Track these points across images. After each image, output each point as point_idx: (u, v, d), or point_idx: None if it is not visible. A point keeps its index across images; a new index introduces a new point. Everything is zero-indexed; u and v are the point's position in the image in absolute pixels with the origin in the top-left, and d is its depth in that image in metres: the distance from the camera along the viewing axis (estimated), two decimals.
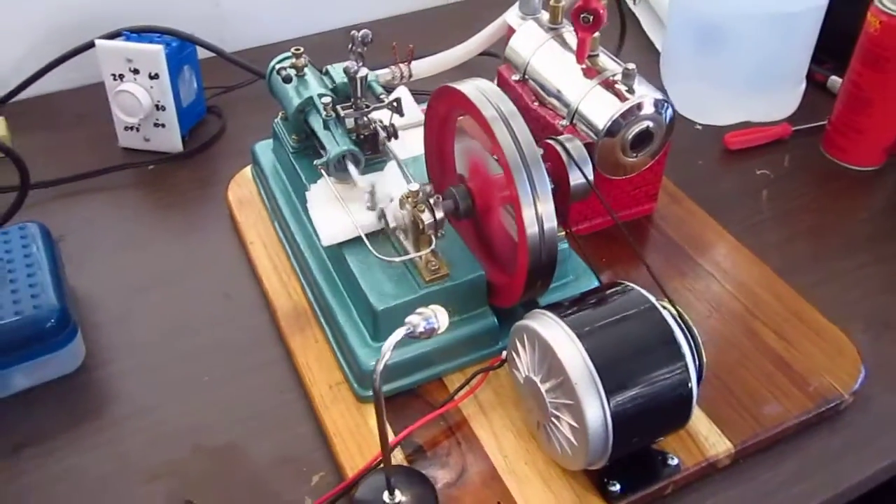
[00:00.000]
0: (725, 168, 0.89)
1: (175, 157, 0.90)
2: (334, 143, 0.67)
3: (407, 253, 0.63)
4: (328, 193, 0.67)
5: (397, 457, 0.59)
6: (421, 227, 0.60)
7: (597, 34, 0.73)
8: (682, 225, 0.79)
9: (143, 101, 0.85)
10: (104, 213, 0.83)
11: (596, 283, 0.67)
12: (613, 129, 0.70)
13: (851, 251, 0.78)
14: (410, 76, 0.79)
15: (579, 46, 0.72)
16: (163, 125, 0.88)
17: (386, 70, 0.79)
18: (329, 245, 0.65)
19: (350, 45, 0.67)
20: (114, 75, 0.85)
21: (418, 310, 0.46)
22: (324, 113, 0.68)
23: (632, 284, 0.57)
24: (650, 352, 0.52)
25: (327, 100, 0.67)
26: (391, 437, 0.59)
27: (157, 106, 0.86)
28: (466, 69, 0.89)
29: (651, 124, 0.71)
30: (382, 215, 0.63)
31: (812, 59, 0.92)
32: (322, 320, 0.68)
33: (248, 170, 0.84)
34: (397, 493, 0.50)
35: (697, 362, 0.55)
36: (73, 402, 0.65)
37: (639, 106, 0.70)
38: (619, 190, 0.77)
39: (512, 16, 0.82)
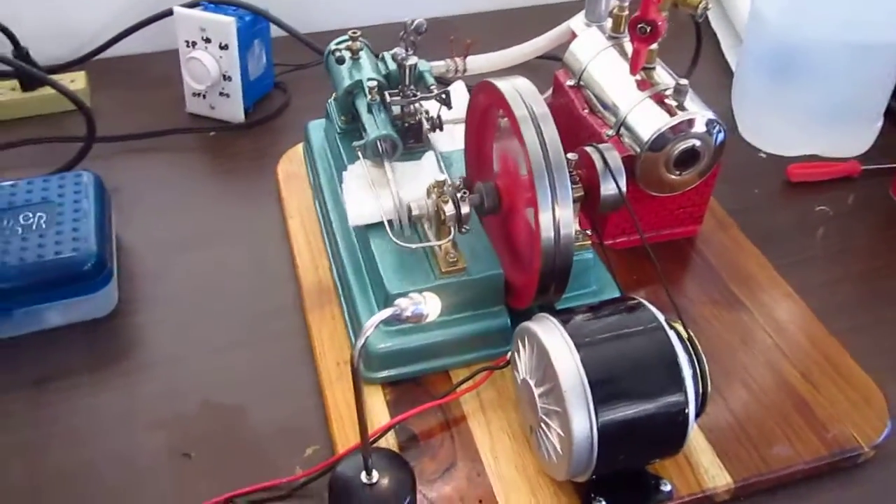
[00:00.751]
0: (783, 200, 0.85)
1: (237, 126, 0.93)
2: (374, 127, 0.68)
3: (429, 242, 0.64)
4: (363, 175, 0.68)
5: (390, 441, 0.60)
6: (443, 217, 0.60)
7: (654, 46, 0.71)
8: (724, 252, 0.77)
9: (210, 69, 0.88)
10: (161, 171, 0.87)
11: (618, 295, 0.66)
12: (658, 144, 0.68)
13: None
14: (465, 71, 0.80)
15: (634, 57, 0.70)
16: (227, 95, 0.91)
17: (441, 62, 0.79)
18: (356, 225, 0.66)
19: (402, 33, 0.68)
20: (187, 42, 0.88)
21: (411, 294, 0.46)
22: (368, 97, 0.69)
23: (645, 302, 0.55)
24: (649, 372, 0.51)
25: (373, 84, 0.69)
26: (386, 421, 0.60)
27: (224, 76, 0.90)
28: (525, 70, 0.89)
29: (698, 143, 0.69)
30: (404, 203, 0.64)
31: (893, 96, 0.87)
32: (342, 299, 0.69)
33: (300, 147, 0.86)
34: (375, 473, 0.50)
35: (700, 390, 0.53)
36: (100, 345, 0.68)
37: (688, 123, 0.68)
38: (661, 207, 0.75)
39: (577, 21, 0.81)
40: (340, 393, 0.63)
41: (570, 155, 0.62)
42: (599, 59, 0.76)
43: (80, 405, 0.64)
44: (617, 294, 0.67)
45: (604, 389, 0.50)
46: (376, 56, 0.76)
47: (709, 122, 0.69)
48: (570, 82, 0.78)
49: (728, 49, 1.04)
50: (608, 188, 0.61)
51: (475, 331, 0.64)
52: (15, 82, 0.93)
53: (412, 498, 0.51)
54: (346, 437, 0.60)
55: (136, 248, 0.77)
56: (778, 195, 0.86)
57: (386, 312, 0.45)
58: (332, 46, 0.75)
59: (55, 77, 0.93)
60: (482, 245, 0.65)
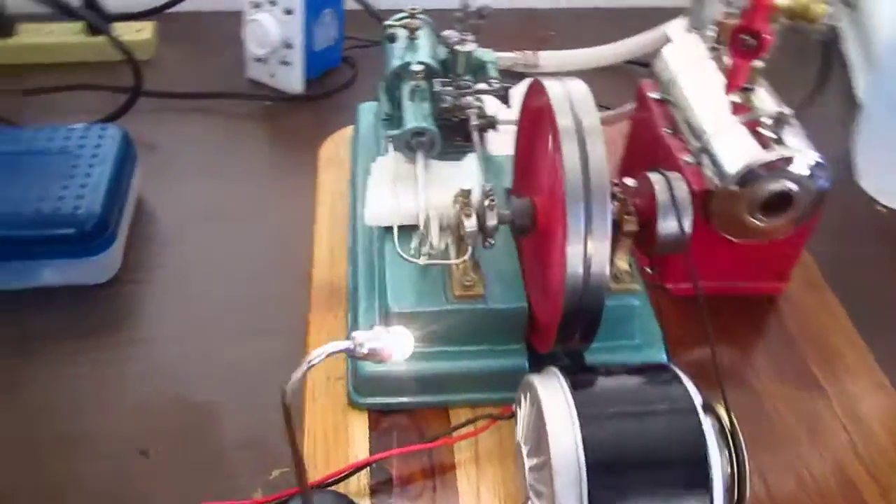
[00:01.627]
0: None
1: (294, 98, 0.87)
2: (412, 118, 0.59)
3: (448, 258, 0.55)
4: (391, 170, 0.59)
5: (362, 481, 0.52)
6: (462, 232, 0.51)
7: (759, 63, 0.59)
8: (810, 320, 0.64)
9: (272, 33, 0.82)
10: (204, 134, 0.82)
11: (662, 357, 0.55)
12: (743, 181, 0.57)
13: None
14: (536, 66, 0.70)
15: (732, 73, 0.59)
16: (288, 63, 0.85)
17: (510, 53, 0.70)
18: (371, 225, 0.58)
19: (459, 13, 0.59)
20: (252, 2, 0.82)
21: (378, 327, 0.38)
22: (412, 82, 0.60)
23: (682, 374, 0.45)
24: (666, 467, 0.41)
25: (419, 68, 0.60)
26: (364, 455, 0.52)
27: (286, 42, 0.83)
28: (612, 76, 0.78)
29: (794, 188, 0.57)
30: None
31: None
32: (349, 305, 0.61)
33: (350, 129, 0.79)
34: None
35: (735, 494, 0.42)
36: (92, 313, 0.63)
37: (785, 161, 0.56)
38: (740, 256, 0.63)
39: (675, 26, 0.69)
40: (322, 412, 0.55)
41: (627, 180, 0.52)
42: (692, 71, 0.65)
43: (59, 373, 0.59)
44: (661, 352, 0.56)
45: (604, 479, 0.40)
46: (439, 38, 0.67)
47: (812, 165, 0.57)
48: (655, 95, 0.67)
49: (859, 78, 0.90)
50: (667, 225, 0.51)
51: (485, 368, 0.54)
52: (83, 25, 0.90)
53: None
54: (315, 465, 0.52)
55: (157, 211, 0.72)
56: (891, 260, 0.72)
57: (339, 345, 0.36)
58: (388, 22, 0.67)
59: (122, 25, 0.90)
60: (511, 271, 0.55)
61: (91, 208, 0.62)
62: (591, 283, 0.45)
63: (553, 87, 0.48)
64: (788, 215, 0.59)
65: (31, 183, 0.63)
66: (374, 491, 0.51)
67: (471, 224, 0.51)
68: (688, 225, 0.51)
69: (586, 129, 0.46)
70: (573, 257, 0.45)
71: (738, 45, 0.57)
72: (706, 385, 0.58)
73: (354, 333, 0.37)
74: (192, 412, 0.57)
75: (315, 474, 0.51)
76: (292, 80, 0.86)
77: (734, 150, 0.58)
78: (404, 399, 0.55)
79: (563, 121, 0.46)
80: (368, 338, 0.37)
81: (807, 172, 0.57)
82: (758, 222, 0.59)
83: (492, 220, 0.51)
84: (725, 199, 0.58)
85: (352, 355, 0.37)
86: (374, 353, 0.37)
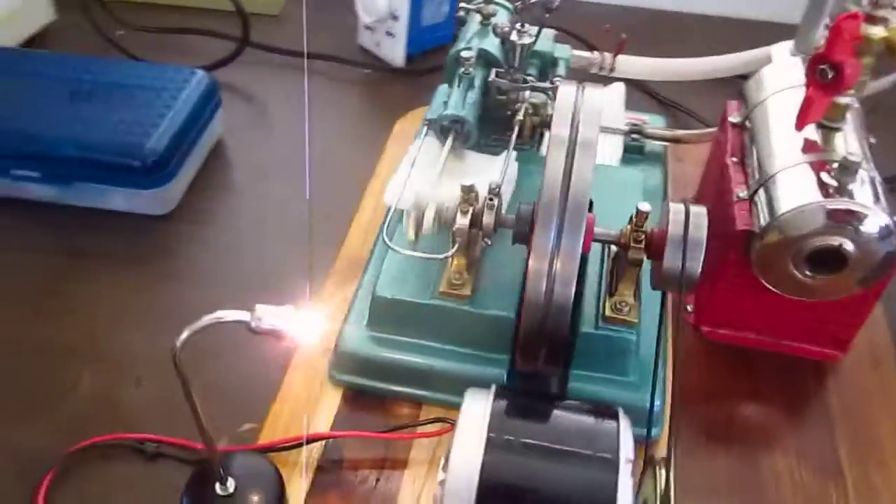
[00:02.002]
0: None
1: (393, 70, 0.87)
2: (452, 105, 0.58)
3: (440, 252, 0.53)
4: (423, 154, 0.58)
5: (313, 454, 0.52)
6: (453, 227, 0.49)
7: (847, 100, 0.52)
8: (859, 400, 0.56)
9: (379, 3, 0.83)
10: (297, 94, 0.84)
11: (655, 401, 0.51)
12: (788, 227, 0.50)
13: None
14: (612, 70, 0.65)
15: (805, 107, 0.52)
16: (392, 35, 0.85)
17: (586, 53, 0.65)
18: (389, 205, 0.58)
19: (518, 3, 0.56)
20: None
21: (290, 306, 0.37)
22: (461, 69, 0.58)
23: (625, 419, 0.41)
24: None
25: (468, 55, 0.58)
26: (325, 429, 0.52)
27: (392, 14, 0.84)
28: (708, 89, 0.72)
29: (849, 247, 0.49)
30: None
31: None
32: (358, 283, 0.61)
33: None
34: (231, 483, 0.43)
35: None
36: (144, 240, 0.67)
37: (845, 214, 0.49)
38: (789, 311, 0.56)
39: (781, 48, 0.62)
40: (299, 379, 0.56)
41: (642, 205, 0.48)
42: (782, 99, 0.58)
43: (98, 291, 0.63)
44: (660, 398, 0.51)
45: None
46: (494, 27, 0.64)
47: (882, 226, 0.49)
48: (735, 118, 0.61)
49: None
50: (671, 261, 0.46)
51: (462, 371, 0.52)
52: None
53: None
54: (274, 426, 0.53)
55: (232, 159, 0.76)
56: None
57: (233, 314, 0.36)
58: (462, 5, 0.65)
59: None
60: (510, 279, 0.53)
61: (156, 144, 0.66)
62: (553, 302, 0.42)
63: (564, 93, 0.45)
64: (844, 275, 0.51)
65: (114, 113, 0.68)
66: (321, 466, 0.51)
67: (463, 220, 0.49)
68: (694, 265, 0.46)
69: (580, 142, 0.43)
70: (536, 273, 0.42)
71: (816, 75, 0.50)
72: (710, 444, 0.53)
73: (258, 306, 0.37)
74: (194, 353, 0.59)
75: (272, 436, 0.52)
76: (395, 52, 0.86)
77: (789, 190, 0.51)
78: (379, 384, 0.54)
79: (558, 129, 0.43)
80: (271, 313, 0.36)
81: (871, 232, 0.49)
82: (804, 277, 0.52)
83: (488, 219, 0.48)
84: (768, 244, 0.51)
85: (249, 328, 0.36)
86: (271, 331, 0.36)
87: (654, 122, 0.72)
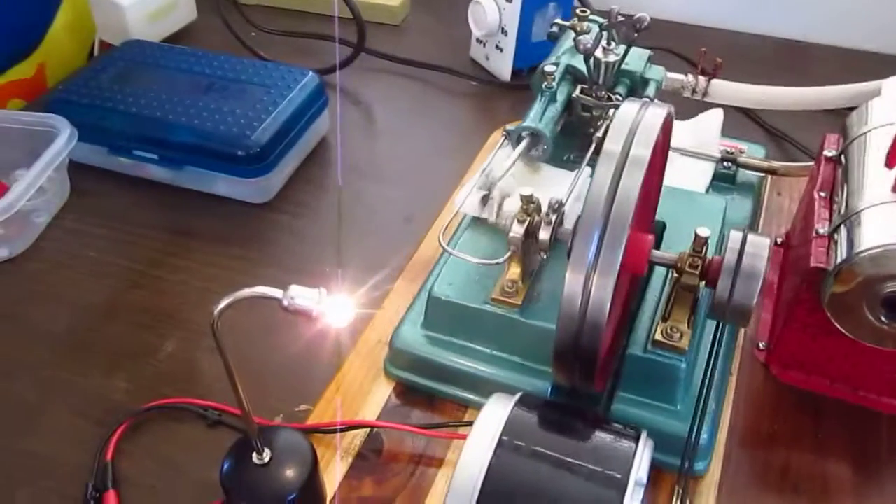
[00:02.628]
0: None
1: (500, 84, 0.89)
2: (531, 117, 0.58)
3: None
4: (502, 163, 0.59)
5: (355, 441, 0.54)
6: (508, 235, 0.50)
7: None
8: None
9: (490, 17, 0.84)
10: (407, 100, 0.87)
11: (705, 437, 0.49)
12: (861, 268, 0.47)
13: None
14: (705, 94, 0.63)
15: (895, 143, 0.48)
16: (501, 49, 0.87)
17: (680, 76, 0.64)
18: (460, 211, 0.59)
19: (605, 22, 0.56)
20: None
21: (323, 290, 0.39)
22: (544, 83, 0.59)
23: (645, 448, 0.40)
24: None
25: (551, 69, 0.59)
26: (371, 418, 0.54)
27: (502, 28, 0.85)
28: (825, 122, 0.68)
29: None
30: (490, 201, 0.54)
31: None
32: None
33: None
34: (267, 453, 0.45)
35: None
36: (241, 225, 0.72)
37: None
38: (867, 358, 0.52)
39: (893, 83, 0.58)
40: (356, 367, 0.58)
41: (700, 230, 0.47)
42: (883, 133, 0.55)
43: (193, 267, 0.68)
44: (709, 431, 0.49)
45: None
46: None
47: None
48: (831, 151, 0.58)
49: None
50: (721, 290, 0.44)
51: (507, 379, 0.53)
52: None
53: (307, 483, 0.45)
54: (322, 410, 0.55)
55: (331, 158, 0.80)
56: None
57: (269, 291, 0.39)
58: (556, 21, 0.65)
59: None
60: None
61: (259, 137, 0.71)
62: (588, 319, 0.42)
63: (624, 110, 0.45)
64: None
65: (228, 105, 0.73)
66: (359, 453, 0.53)
67: (518, 228, 0.49)
68: (745, 297, 0.44)
69: (630, 158, 0.42)
70: (572, 285, 0.42)
71: None
72: (761, 489, 0.51)
73: (292, 286, 0.39)
74: (275, 331, 0.63)
75: (320, 418, 0.54)
76: (502, 66, 0.88)
77: (871, 228, 0.48)
78: (429, 383, 0.55)
79: (611, 144, 0.43)
80: (302, 294, 0.38)
81: None
82: (880, 323, 0.48)
83: (544, 235, 0.49)
84: (841, 284, 0.48)
85: (281, 306, 0.39)
86: (300, 310, 0.38)
87: (752, 152, 0.69)
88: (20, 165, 0.72)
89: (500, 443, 0.39)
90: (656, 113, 0.44)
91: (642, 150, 0.42)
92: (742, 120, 0.81)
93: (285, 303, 0.38)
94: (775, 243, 0.66)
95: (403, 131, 0.84)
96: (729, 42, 0.94)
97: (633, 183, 0.41)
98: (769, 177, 0.70)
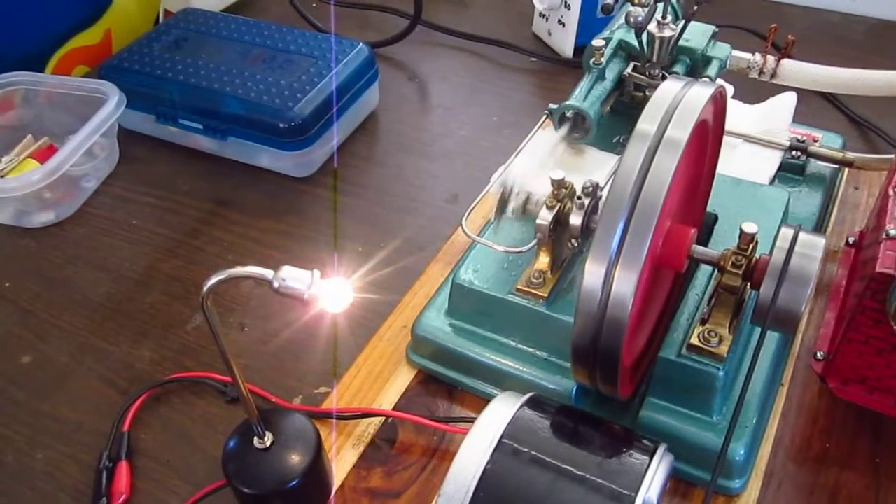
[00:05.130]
0: None
1: (561, 61, 0.84)
2: (576, 96, 0.54)
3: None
4: (538, 144, 0.55)
5: (369, 429, 0.51)
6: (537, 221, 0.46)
7: None
8: None
9: None
10: (463, 74, 0.84)
11: (738, 451, 0.44)
12: None
13: None
14: (773, 75, 0.57)
15: None
16: (563, 24, 0.82)
17: (747, 55, 0.58)
18: (495, 193, 0.55)
19: None
20: None
21: (317, 272, 0.37)
22: (592, 59, 0.55)
23: (663, 459, 0.36)
24: None
25: (599, 43, 0.54)
26: (389, 406, 0.52)
27: (564, 3, 0.81)
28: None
29: None
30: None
31: None
32: None
33: None
34: (269, 437, 0.44)
35: None
36: (281, 197, 0.71)
37: None
38: None
39: None
40: (378, 353, 0.56)
41: (746, 226, 0.42)
42: None
43: (230, 238, 0.67)
44: (747, 447, 0.45)
45: None
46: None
47: None
48: None
49: None
50: (765, 293, 0.40)
51: (531, 375, 0.49)
52: None
53: (310, 470, 0.43)
54: (340, 394, 0.53)
55: (382, 131, 0.77)
56: None
57: (258, 271, 0.36)
58: None
59: None
60: None
61: (301, 109, 0.69)
62: (608, 316, 0.38)
63: (664, 88, 0.40)
64: None
65: (273, 76, 0.72)
66: (372, 442, 0.51)
67: (545, 216, 0.46)
68: (793, 302, 0.39)
69: (665, 140, 0.38)
70: (591, 278, 0.38)
71: None
72: None
73: (284, 267, 0.37)
74: (300, 310, 0.61)
75: (336, 403, 0.53)
76: (564, 41, 0.83)
77: None
78: (450, 373, 0.53)
79: (644, 124, 0.39)
80: (293, 276, 0.36)
81: None
82: None
83: (575, 220, 0.45)
84: None
85: (272, 288, 0.36)
86: (291, 293, 0.36)
87: (828, 141, 0.63)
88: (73, 131, 0.73)
89: (498, 446, 0.36)
90: (700, 92, 0.40)
91: (679, 132, 0.38)
92: (823, 106, 0.74)
93: (276, 284, 0.36)
94: (847, 243, 0.60)
95: (458, 107, 0.80)
96: (815, 21, 0.87)
97: (666, 167, 0.37)
98: (845, 170, 0.63)
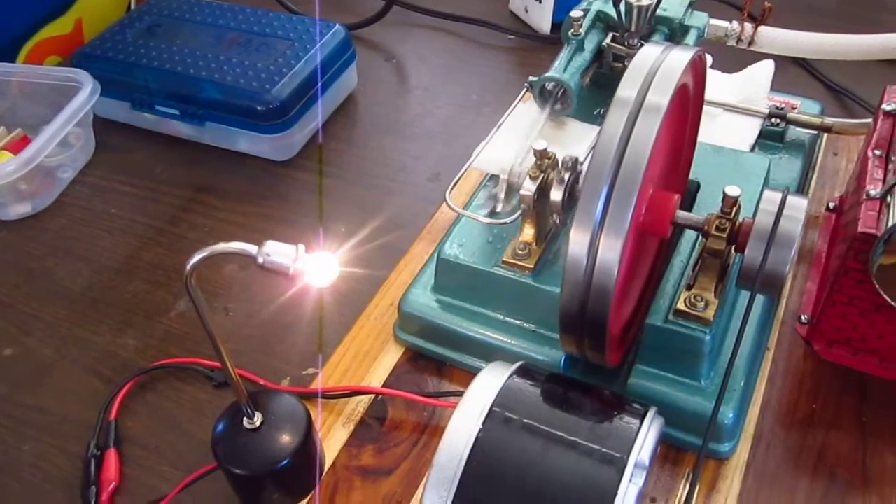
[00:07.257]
0: None
1: (538, 38, 0.84)
2: (555, 68, 0.54)
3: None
4: (517, 118, 0.55)
5: (359, 407, 0.51)
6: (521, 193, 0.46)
7: None
8: None
9: None
10: (440, 54, 0.84)
11: (726, 414, 0.45)
12: None
13: None
14: (751, 43, 0.58)
15: None
16: (539, 1, 0.82)
17: (724, 23, 0.58)
18: (479, 169, 0.55)
19: None
20: None
21: (301, 247, 0.36)
22: (570, 30, 0.55)
23: (653, 422, 0.36)
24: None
25: (577, 14, 0.54)
26: (378, 384, 0.52)
27: None
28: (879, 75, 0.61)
29: None
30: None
31: None
32: None
33: None
34: (258, 417, 0.44)
35: None
36: (260, 182, 0.70)
37: None
38: None
39: None
40: (365, 332, 0.56)
41: (729, 189, 0.42)
42: None
43: (211, 224, 0.66)
44: (735, 410, 0.45)
45: (474, 490, 0.34)
46: None
47: None
48: (891, 105, 0.52)
49: None
50: (751, 257, 0.40)
51: (523, 349, 0.49)
52: None
53: (300, 449, 0.43)
54: (328, 375, 0.53)
55: (361, 113, 0.77)
56: None
57: (242, 246, 0.36)
58: None
59: None
60: None
61: (279, 92, 0.68)
62: (594, 283, 0.38)
63: (643, 54, 0.40)
64: None
65: (251, 60, 0.71)
66: (362, 420, 0.50)
67: (529, 186, 0.46)
68: (779, 264, 0.39)
69: (645, 105, 0.38)
70: (577, 246, 0.38)
71: None
72: (793, 473, 0.46)
73: (268, 242, 0.36)
74: (286, 291, 0.60)
75: (326, 382, 0.52)
76: (541, 18, 0.83)
77: None
78: (438, 349, 0.53)
79: (624, 91, 0.39)
80: (278, 251, 0.36)
81: None
82: None
83: (555, 194, 0.45)
84: (892, 252, 0.43)
85: (256, 264, 0.36)
86: (276, 268, 0.36)
87: (807, 108, 0.63)
88: (47, 121, 0.72)
89: (489, 414, 0.36)
90: (679, 57, 0.40)
91: (659, 97, 0.38)
92: (800, 74, 0.74)
93: (260, 259, 0.36)
94: (827, 208, 0.60)
95: (436, 87, 0.80)
96: None
97: (647, 133, 0.37)
98: (824, 136, 0.64)
